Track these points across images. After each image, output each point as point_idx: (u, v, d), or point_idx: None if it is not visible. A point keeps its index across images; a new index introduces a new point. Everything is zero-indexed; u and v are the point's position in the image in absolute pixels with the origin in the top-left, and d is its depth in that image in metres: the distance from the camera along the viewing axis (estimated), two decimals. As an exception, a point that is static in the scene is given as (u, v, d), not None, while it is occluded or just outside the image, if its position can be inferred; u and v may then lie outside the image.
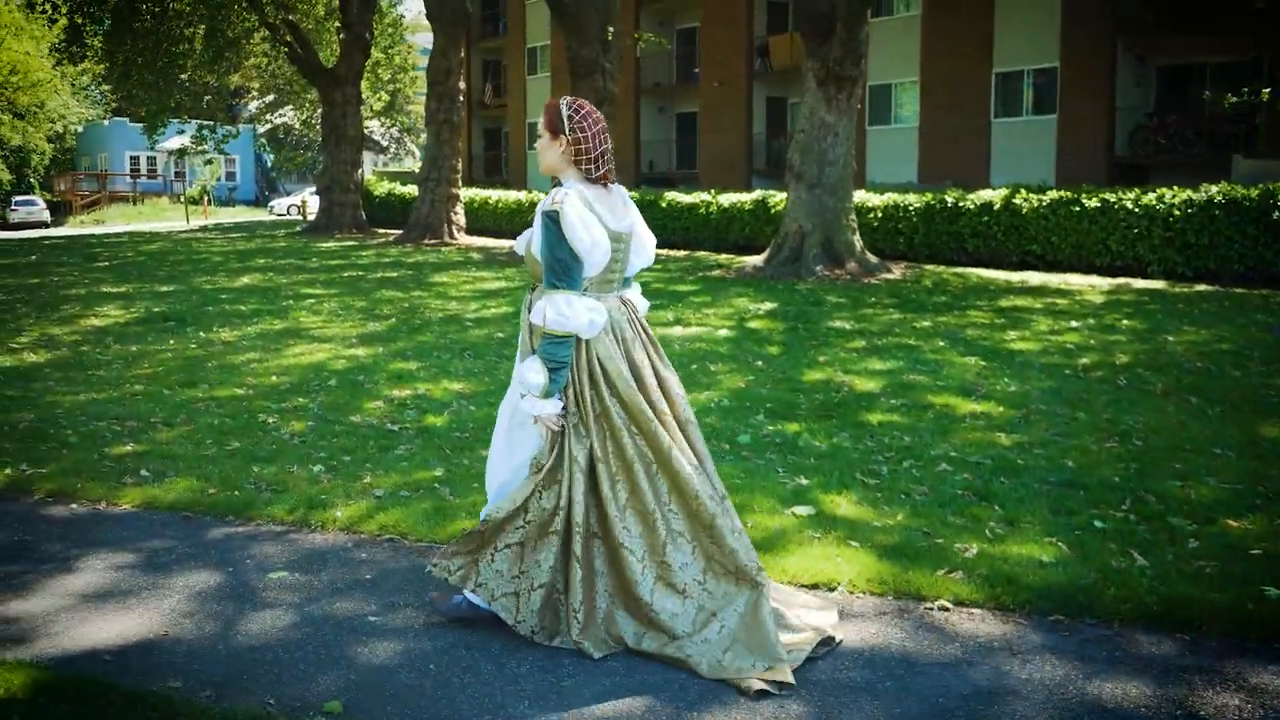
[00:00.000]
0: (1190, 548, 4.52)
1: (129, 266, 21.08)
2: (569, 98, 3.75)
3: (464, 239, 27.80)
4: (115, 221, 48.03)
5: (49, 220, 48.86)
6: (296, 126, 49.92)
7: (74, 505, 5.42)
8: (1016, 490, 5.40)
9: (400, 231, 29.39)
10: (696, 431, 3.83)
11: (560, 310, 3.52)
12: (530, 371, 3.56)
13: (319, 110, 42.51)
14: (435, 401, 7.83)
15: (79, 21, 30.42)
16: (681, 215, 24.32)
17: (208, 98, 43.04)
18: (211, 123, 34.72)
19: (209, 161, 45.74)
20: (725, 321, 11.99)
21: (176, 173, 56.38)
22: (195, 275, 18.80)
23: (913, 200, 19.97)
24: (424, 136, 62.89)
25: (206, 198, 48.96)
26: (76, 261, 22.79)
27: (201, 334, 11.49)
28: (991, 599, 4.03)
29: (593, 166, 3.65)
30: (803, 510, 5.07)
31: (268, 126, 54.30)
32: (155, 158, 57.60)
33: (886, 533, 4.76)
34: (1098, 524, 4.85)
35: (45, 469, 6.02)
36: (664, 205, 24.67)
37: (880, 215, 20.28)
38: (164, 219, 47.95)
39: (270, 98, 53.72)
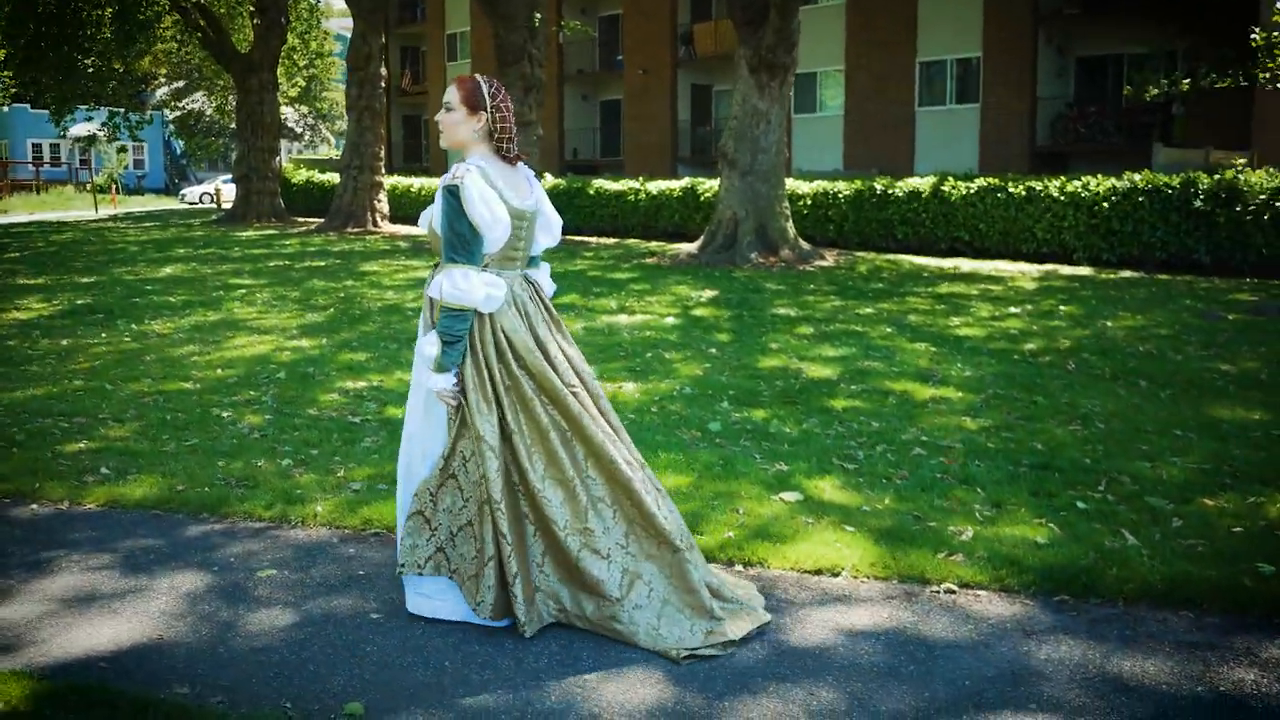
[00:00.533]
0: (1174, 526, 4.62)
1: (42, 257, 20.35)
2: (482, 75, 3.76)
3: (387, 227, 27.39)
4: (18, 211, 46.27)
5: (-54, 210, 46.99)
6: (209, 113, 48.63)
7: (34, 506, 5.18)
8: (993, 473, 5.46)
9: (321, 220, 28.84)
10: (607, 404, 3.87)
11: (456, 284, 3.52)
12: (427, 345, 3.58)
13: (233, 96, 41.56)
14: (392, 393, 7.68)
15: None
16: (610, 202, 24.25)
17: (113, 83, 41.70)
18: (123, 110, 33.63)
19: (123, 149, 44.34)
20: (670, 309, 11.97)
21: (82, 160, 54.56)
22: (114, 266, 18.21)
23: (842, 188, 20.17)
24: (339, 124, 61.87)
25: (115, 186, 47.47)
26: (-16, 252, 21.93)
27: (134, 326, 11.12)
28: (995, 581, 4.06)
29: (511, 144, 3.69)
30: (790, 496, 5.07)
31: (178, 113, 52.79)
32: (59, 145, 55.72)
33: (877, 517, 4.77)
34: (1080, 505, 4.93)
35: (-4, 468, 5.76)
36: (592, 193, 24.58)
37: (810, 202, 20.45)
38: (70, 208, 46.33)
39: (180, 84, 52.28)
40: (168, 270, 17.21)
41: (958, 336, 9.96)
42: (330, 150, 61.22)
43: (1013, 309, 11.76)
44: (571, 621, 3.67)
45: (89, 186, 50.08)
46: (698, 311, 11.81)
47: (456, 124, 3.65)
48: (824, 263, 17.10)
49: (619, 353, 9.23)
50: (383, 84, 27.68)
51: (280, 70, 34.59)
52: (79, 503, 5.20)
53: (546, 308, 3.82)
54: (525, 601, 3.60)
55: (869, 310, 11.77)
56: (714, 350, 9.35)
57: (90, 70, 33.53)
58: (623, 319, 11.25)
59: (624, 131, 33.32)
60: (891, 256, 18.43)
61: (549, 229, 3.90)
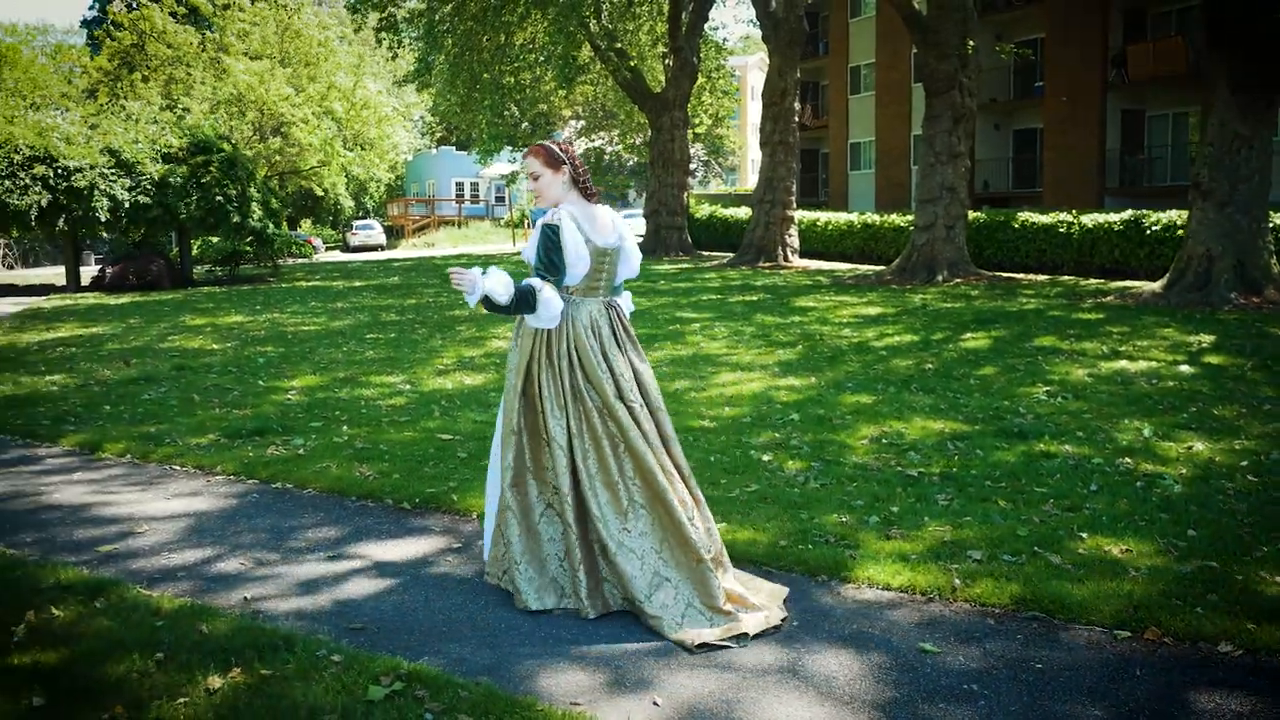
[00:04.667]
0: None
1: (489, 288, 21.72)
2: (546, 140, 4.51)
3: (798, 261, 27.29)
4: (443, 244, 50.74)
5: (384, 243, 52.25)
6: (620, 150, 51.11)
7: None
8: None
9: (728, 254, 29.22)
10: (665, 417, 4.41)
11: (547, 294, 4.15)
12: (495, 280, 4.07)
13: (637, 135, 43.36)
14: (925, 444, 7.15)
15: (401, 54, 32.17)
16: (1036, 236, 22.84)
17: (524, 124, 44.73)
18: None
19: (538, 187, 47.35)
20: (1172, 355, 10.74)
21: (498, 197, 59.08)
22: (558, 297, 19.06)
23: (1330, 219, 17.74)
24: (730, 159, 63.30)
25: (526, 221, 50.94)
26: (437, 283, 23.78)
27: (613, 359, 11.34)
28: None
29: (589, 182, 4.38)
30: None
31: (579, 152, 56.01)
32: (478, 184, 60.64)
33: None
34: None
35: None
36: (1016, 226, 23.25)
37: (1284, 236, 18.14)
38: (488, 241, 50.22)
39: (580, 124, 55.36)
40: (610, 302, 17.75)
41: None
42: (720, 186, 62.67)
43: None
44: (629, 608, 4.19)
45: (504, 221, 54.02)
46: (1210, 359, 10.51)
47: (549, 184, 4.34)
48: (1323, 305, 15.00)
49: (1155, 405, 8.24)
50: (796, 118, 27.72)
51: (689, 108, 35.60)
52: (683, 551, 5.00)
53: (626, 329, 4.41)
54: (585, 586, 4.17)
55: None
56: (1268, 407, 8.15)
57: (510, 114, 36.16)
58: (1122, 364, 10.20)
59: (1043, 161, 31.44)
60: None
61: (629, 263, 4.48)
